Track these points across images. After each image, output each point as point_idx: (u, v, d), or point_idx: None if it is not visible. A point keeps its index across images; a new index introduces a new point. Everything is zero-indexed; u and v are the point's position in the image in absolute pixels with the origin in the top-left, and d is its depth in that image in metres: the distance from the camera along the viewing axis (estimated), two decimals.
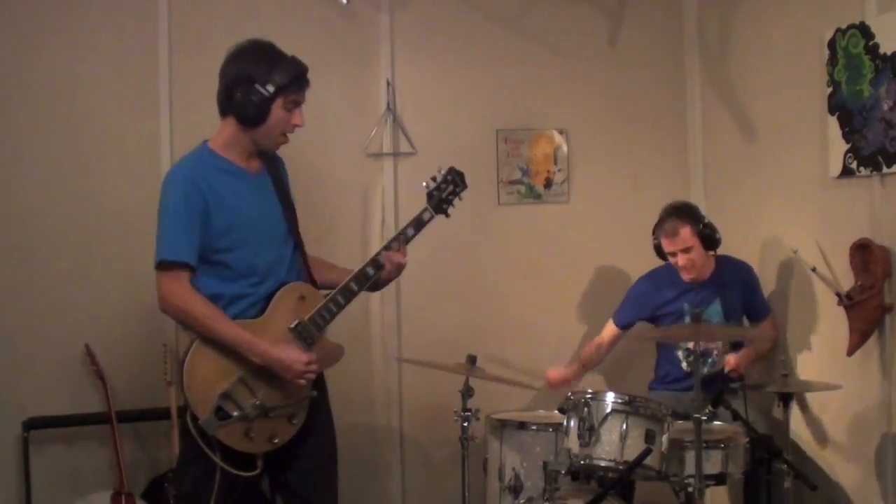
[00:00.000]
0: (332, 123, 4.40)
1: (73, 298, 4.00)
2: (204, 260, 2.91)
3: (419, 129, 4.49)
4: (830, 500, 3.87)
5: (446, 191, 3.27)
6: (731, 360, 3.87)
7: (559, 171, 4.67)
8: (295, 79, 2.96)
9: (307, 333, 2.98)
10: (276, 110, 2.96)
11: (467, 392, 3.54)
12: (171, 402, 3.92)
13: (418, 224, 3.20)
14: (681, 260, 4.00)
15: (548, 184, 4.66)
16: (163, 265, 2.87)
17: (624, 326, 4.23)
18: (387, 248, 3.14)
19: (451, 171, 3.31)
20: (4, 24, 3.98)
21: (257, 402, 2.89)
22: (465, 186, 3.33)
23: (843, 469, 3.89)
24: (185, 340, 3.90)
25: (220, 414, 2.84)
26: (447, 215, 3.31)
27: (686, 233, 3.97)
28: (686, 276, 4.05)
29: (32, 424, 3.88)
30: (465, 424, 3.54)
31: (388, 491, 4.45)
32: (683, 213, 4.03)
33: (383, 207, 4.45)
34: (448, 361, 3.65)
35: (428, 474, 4.48)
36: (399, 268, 3.14)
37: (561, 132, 4.67)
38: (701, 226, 4.00)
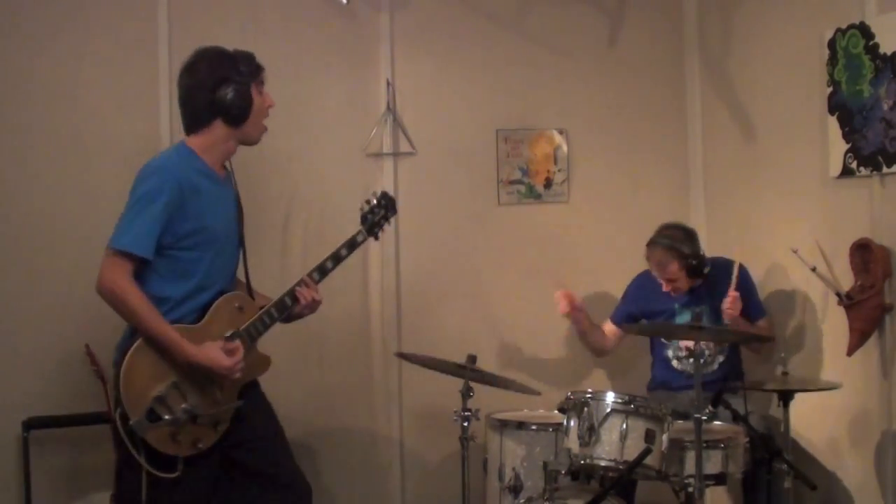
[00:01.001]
0: (332, 123, 4.40)
1: (73, 298, 3.99)
2: (159, 254, 2.95)
3: (419, 129, 4.49)
4: (830, 500, 3.87)
5: (378, 215, 3.46)
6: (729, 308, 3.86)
7: (559, 171, 4.67)
8: (255, 64, 3.11)
9: (242, 343, 3.06)
10: (256, 97, 3.09)
11: (467, 392, 3.54)
12: None
13: (351, 245, 3.36)
14: (664, 284, 4.09)
15: (548, 184, 4.66)
16: (114, 251, 2.91)
17: (619, 324, 4.24)
18: (316, 272, 3.26)
19: (384, 195, 3.51)
20: (5, 25, 3.98)
21: (187, 408, 2.95)
22: (394, 212, 3.52)
23: (843, 469, 3.89)
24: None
25: (152, 416, 2.90)
26: (376, 238, 3.51)
27: (673, 268, 4.03)
28: (673, 293, 4.11)
29: (32, 424, 3.87)
30: (465, 424, 3.54)
31: (388, 490, 4.45)
32: (676, 246, 4.01)
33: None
34: (448, 361, 3.65)
35: (428, 474, 4.48)
36: (312, 306, 3.25)
37: (561, 132, 4.67)
38: (690, 261, 4.00)
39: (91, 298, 3.98)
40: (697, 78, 4.79)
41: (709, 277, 4.07)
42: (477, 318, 4.53)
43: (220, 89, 3.01)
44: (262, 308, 3.15)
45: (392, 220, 3.52)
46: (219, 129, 3.05)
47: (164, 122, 4.14)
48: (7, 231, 3.97)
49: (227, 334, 3.03)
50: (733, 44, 4.57)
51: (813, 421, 3.98)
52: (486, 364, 3.65)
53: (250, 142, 3.16)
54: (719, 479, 3.32)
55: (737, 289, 3.92)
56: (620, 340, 4.30)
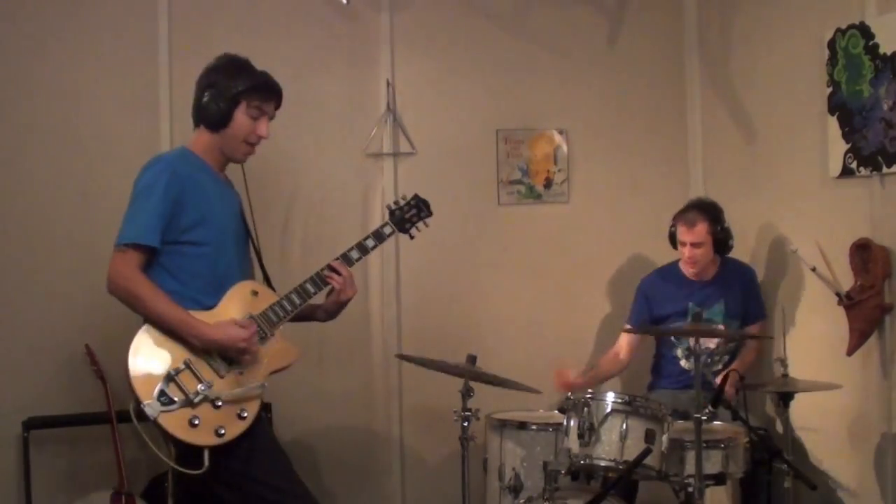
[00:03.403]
0: (332, 123, 4.40)
1: (73, 298, 4.00)
2: (166, 251, 2.92)
3: (419, 129, 4.49)
4: (830, 500, 3.87)
5: (408, 213, 3.40)
6: (730, 391, 3.84)
7: (559, 171, 4.67)
8: (258, 85, 3.05)
9: (259, 327, 2.99)
10: (240, 115, 3.02)
11: (467, 392, 3.54)
12: None
13: (378, 236, 3.29)
14: (688, 251, 4.03)
15: (548, 184, 4.66)
16: (120, 247, 2.89)
17: (640, 325, 4.20)
18: (344, 257, 3.19)
19: (416, 197, 3.45)
20: (6, 25, 3.99)
21: (202, 389, 2.84)
22: (429, 214, 3.44)
23: (843, 469, 3.89)
24: None
25: (163, 398, 2.80)
26: (411, 236, 3.42)
27: (702, 228, 4.01)
28: (688, 270, 4.07)
29: (32, 424, 3.88)
30: (465, 424, 3.53)
31: (388, 490, 4.45)
32: (707, 210, 4.07)
33: (383, 207, 4.43)
34: (448, 361, 3.65)
35: (428, 474, 4.48)
36: (346, 288, 3.16)
37: (561, 132, 4.67)
38: (719, 227, 4.04)
39: (91, 298, 4.00)
40: (697, 78, 4.79)
41: (723, 277, 4.08)
42: (477, 318, 4.53)
43: (203, 94, 3.03)
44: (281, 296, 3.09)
45: (428, 221, 3.44)
46: (203, 133, 3.05)
47: (164, 122, 4.15)
48: (7, 231, 3.98)
49: (243, 318, 2.97)
50: (733, 44, 4.57)
51: (813, 421, 3.98)
52: (486, 364, 3.64)
53: (232, 157, 3.09)
54: (719, 479, 3.32)
55: (745, 291, 4.08)
56: (637, 348, 4.25)
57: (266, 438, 3.06)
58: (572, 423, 3.29)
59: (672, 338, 4.13)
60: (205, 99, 3.02)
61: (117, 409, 3.88)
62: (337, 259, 3.19)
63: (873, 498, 3.73)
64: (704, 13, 4.75)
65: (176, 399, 2.82)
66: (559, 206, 4.67)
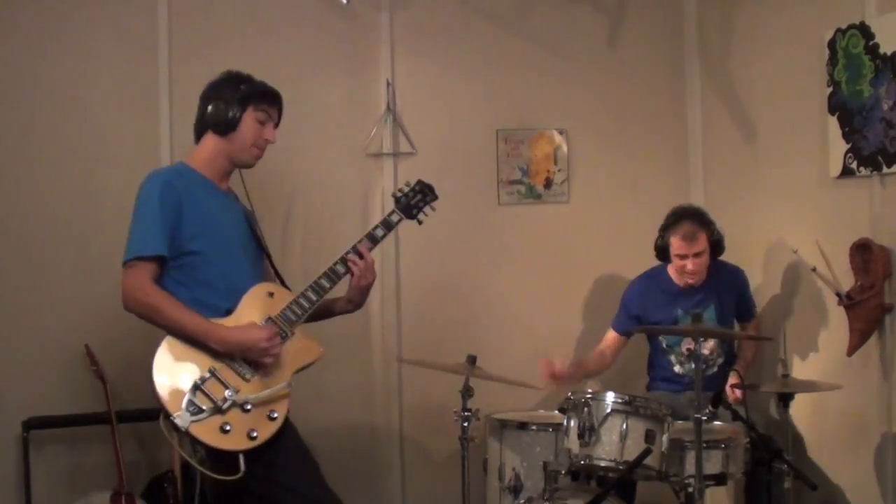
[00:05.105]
0: (332, 123, 4.40)
1: (73, 298, 4.00)
2: (174, 264, 2.94)
3: (419, 129, 4.49)
4: (830, 500, 3.87)
5: (414, 198, 3.39)
6: (738, 393, 3.84)
7: (559, 171, 4.67)
8: (263, 92, 3.11)
9: (279, 327, 2.99)
10: (248, 120, 3.08)
11: (467, 392, 3.54)
12: None
13: (386, 225, 3.27)
14: (690, 264, 3.96)
15: (548, 184, 4.66)
16: (128, 264, 2.91)
17: (625, 333, 4.18)
18: (352, 252, 3.18)
19: (419, 182, 3.43)
20: (5, 25, 3.98)
21: (230, 394, 2.86)
22: (434, 197, 3.43)
23: (843, 469, 3.89)
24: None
25: (192, 408, 2.81)
26: (419, 222, 3.39)
27: (703, 239, 3.97)
28: (690, 281, 4.01)
29: (32, 424, 3.88)
30: (465, 424, 3.54)
31: (388, 491, 4.45)
32: (698, 217, 4.03)
33: (383, 207, 4.44)
34: (448, 361, 3.65)
35: (428, 474, 4.48)
36: (366, 272, 3.17)
37: (561, 132, 4.67)
38: (714, 231, 4.03)
39: (91, 298, 4.02)
40: (697, 78, 4.79)
41: (713, 281, 4.07)
42: (477, 318, 4.53)
43: (210, 103, 3.07)
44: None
45: (434, 205, 3.42)
46: (210, 140, 3.08)
47: (164, 122, 4.14)
48: (7, 231, 3.98)
49: (262, 321, 2.98)
50: (733, 44, 4.57)
51: (813, 421, 3.98)
52: (486, 364, 3.64)
53: (242, 163, 3.14)
54: (719, 479, 3.32)
55: (735, 293, 4.10)
56: (622, 349, 4.23)
57: (293, 441, 3.06)
58: (572, 423, 3.29)
59: (664, 344, 4.11)
60: (211, 107, 3.06)
61: (117, 409, 3.88)
62: (360, 241, 3.19)
63: (873, 498, 3.73)
64: (704, 13, 4.75)
65: (205, 407, 2.82)
66: (559, 206, 4.67)
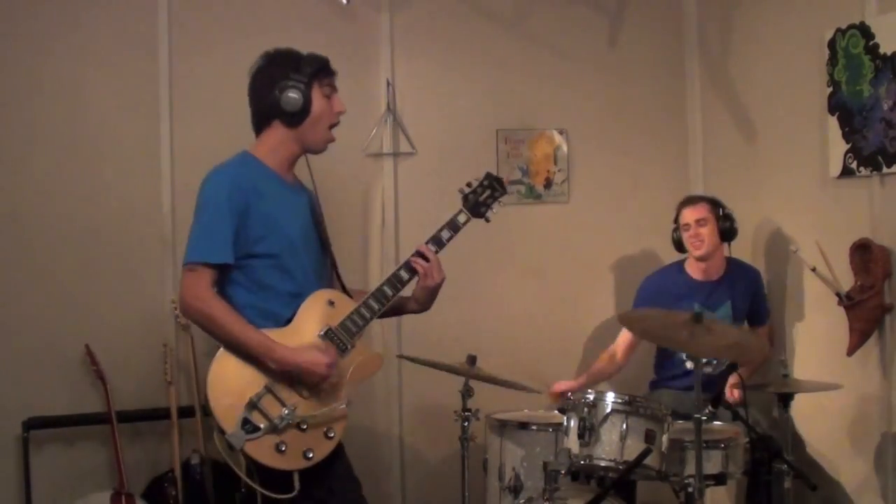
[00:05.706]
0: None
1: (73, 298, 4.00)
2: (237, 266, 2.82)
3: (419, 129, 4.49)
4: (830, 499, 3.87)
5: (482, 195, 3.18)
6: (737, 394, 3.84)
7: (559, 171, 4.67)
8: (322, 65, 2.98)
9: (338, 340, 2.88)
10: (317, 98, 2.95)
11: (467, 392, 3.54)
12: (172, 402, 3.93)
13: (453, 226, 3.11)
14: (692, 230, 4.02)
15: (548, 184, 4.66)
16: (190, 266, 2.78)
17: None
18: (417, 253, 3.06)
19: (488, 175, 3.22)
20: (5, 26, 3.98)
21: (286, 414, 2.75)
22: (504, 191, 3.23)
23: (843, 469, 3.89)
24: (185, 341, 3.91)
25: (247, 426, 2.71)
26: (487, 219, 3.21)
27: (705, 206, 4.03)
28: (696, 252, 4.03)
29: (32, 424, 3.88)
30: (465, 424, 3.54)
31: (388, 490, 4.45)
32: (706, 196, 4.13)
33: (383, 207, 4.45)
34: (448, 361, 3.65)
35: (428, 474, 4.48)
36: (431, 273, 3.03)
37: (561, 132, 4.67)
38: (721, 210, 4.05)
39: (91, 298, 4.02)
40: (697, 78, 4.79)
41: (730, 277, 4.08)
42: (477, 318, 4.53)
43: (276, 89, 2.89)
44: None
45: (502, 200, 3.22)
46: (277, 130, 2.94)
47: (165, 122, 4.14)
48: (7, 231, 3.97)
49: (321, 332, 2.86)
50: (733, 44, 4.57)
51: (813, 421, 3.98)
52: (486, 364, 3.64)
53: (313, 148, 3.01)
54: (719, 479, 3.32)
55: (751, 293, 4.11)
56: (636, 348, 4.21)
57: (345, 461, 2.99)
58: (572, 423, 3.29)
59: None
60: (277, 95, 2.89)
61: (117, 410, 3.88)
62: (426, 243, 3.06)
63: (873, 498, 3.73)
64: (704, 13, 4.75)
65: (261, 426, 2.73)
66: (559, 206, 4.67)
